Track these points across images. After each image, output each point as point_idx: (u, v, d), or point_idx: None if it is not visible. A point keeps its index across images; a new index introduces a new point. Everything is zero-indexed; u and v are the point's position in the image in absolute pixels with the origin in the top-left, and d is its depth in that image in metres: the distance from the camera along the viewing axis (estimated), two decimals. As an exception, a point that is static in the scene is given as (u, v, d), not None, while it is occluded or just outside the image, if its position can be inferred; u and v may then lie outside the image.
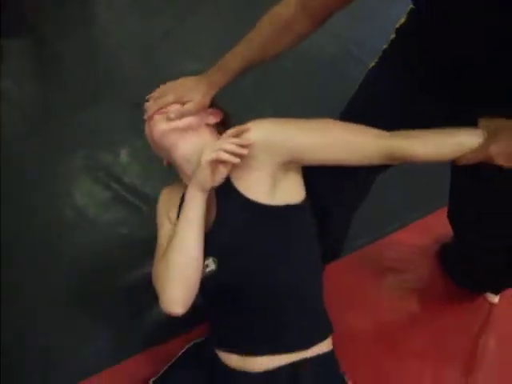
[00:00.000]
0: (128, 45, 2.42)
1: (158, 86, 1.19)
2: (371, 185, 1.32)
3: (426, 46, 1.01)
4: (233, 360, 1.09)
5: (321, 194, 1.15)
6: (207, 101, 1.14)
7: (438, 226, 1.65)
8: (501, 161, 0.96)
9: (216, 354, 1.13)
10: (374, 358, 1.46)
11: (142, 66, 2.30)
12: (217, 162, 1.00)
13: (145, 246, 1.35)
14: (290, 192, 1.07)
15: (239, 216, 1.04)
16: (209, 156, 0.99)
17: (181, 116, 1.10)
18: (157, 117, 1.12)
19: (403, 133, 1.03)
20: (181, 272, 1.03)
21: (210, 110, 1.17)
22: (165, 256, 1.05)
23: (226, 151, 0.98)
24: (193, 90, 1.13)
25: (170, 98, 1.12)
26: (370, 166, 1.04)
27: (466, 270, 1.48)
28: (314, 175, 1.09)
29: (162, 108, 1.12)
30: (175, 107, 1.11)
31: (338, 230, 1.42)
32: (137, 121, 1.24)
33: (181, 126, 1.10)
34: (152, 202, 1.33)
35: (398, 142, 1.01)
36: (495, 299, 1.56)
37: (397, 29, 1.14)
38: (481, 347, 1.51)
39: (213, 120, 1.16)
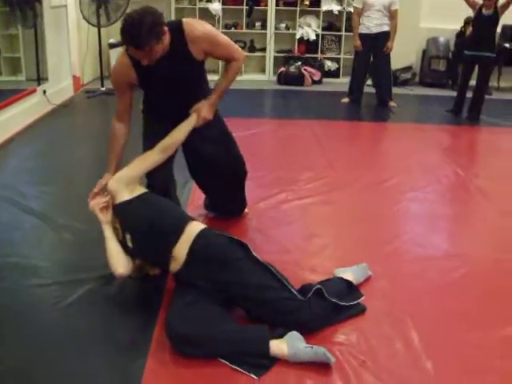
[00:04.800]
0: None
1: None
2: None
3: (158, 106, 2.62)
4: None
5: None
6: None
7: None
8: (198, 122, 2.53)
9: None
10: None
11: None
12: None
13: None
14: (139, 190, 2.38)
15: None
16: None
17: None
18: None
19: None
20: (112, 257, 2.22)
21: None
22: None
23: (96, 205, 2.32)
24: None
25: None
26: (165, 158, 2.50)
27: (215, 205, 3.12)
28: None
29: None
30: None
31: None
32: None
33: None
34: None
35: (165, 141, 2.47)
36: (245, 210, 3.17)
37: (142, 110, 2.71)
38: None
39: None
